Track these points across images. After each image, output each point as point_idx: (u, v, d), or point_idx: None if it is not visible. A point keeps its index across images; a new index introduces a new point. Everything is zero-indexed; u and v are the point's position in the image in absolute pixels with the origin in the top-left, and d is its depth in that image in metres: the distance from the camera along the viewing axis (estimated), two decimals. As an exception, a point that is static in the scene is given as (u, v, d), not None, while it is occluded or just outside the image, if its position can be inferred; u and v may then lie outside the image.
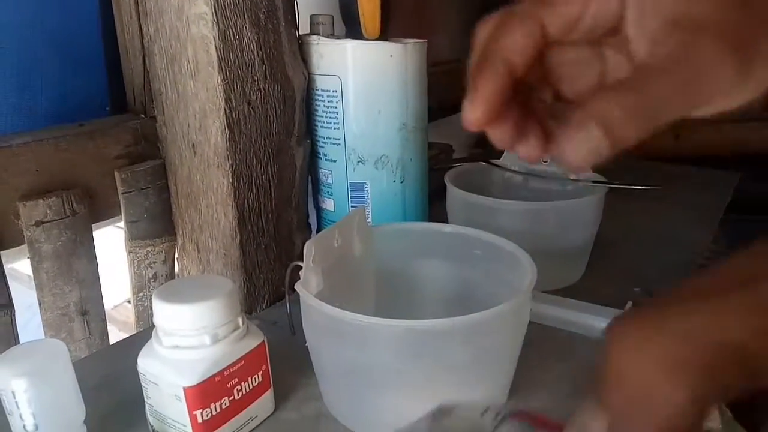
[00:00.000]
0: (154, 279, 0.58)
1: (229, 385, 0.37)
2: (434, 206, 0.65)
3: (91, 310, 0.53)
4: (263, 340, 0.39)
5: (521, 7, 0.25)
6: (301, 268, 0.39)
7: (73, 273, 0.51)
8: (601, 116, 0.21)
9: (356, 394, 0.38)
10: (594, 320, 0.50)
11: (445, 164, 0.78)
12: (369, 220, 0.57)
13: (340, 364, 0.38)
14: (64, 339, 0.52)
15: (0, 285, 0.47)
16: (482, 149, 1.06)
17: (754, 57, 0.22)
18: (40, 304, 0.50)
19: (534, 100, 0.27)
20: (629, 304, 0.50)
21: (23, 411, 0.33)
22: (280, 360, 0.45)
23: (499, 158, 0.68)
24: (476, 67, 0.25)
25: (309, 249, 0.40)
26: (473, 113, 0.24)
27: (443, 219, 0.61)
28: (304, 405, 0.42)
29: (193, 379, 0.35)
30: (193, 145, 0.52)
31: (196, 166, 0.53)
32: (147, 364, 0.36)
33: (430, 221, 0.66)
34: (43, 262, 0.49)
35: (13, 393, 0.32)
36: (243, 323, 0.38)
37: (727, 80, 0.22)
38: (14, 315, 0.48)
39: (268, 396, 0.40)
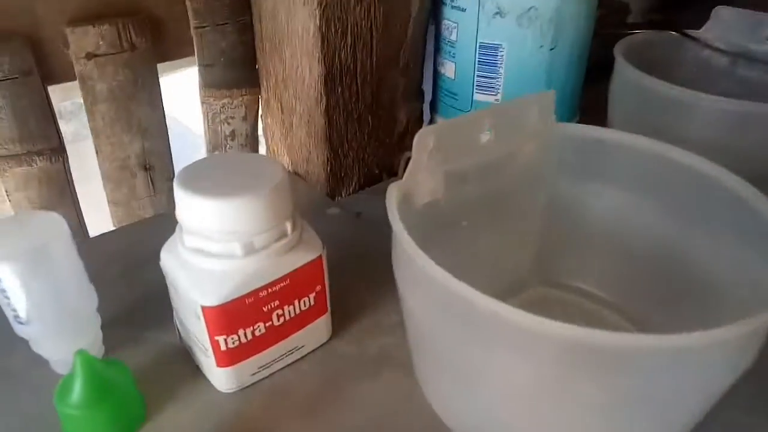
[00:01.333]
0: (232, 138, 0.49)
1: (266, 309, 0.27)
2: (588, 90, 0.48)
3: (155, 165, 0.46)
4: (320, 255, 0.28)
5: None
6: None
7: (133, 120, 0.43)
8: None
9: (470, 399, 0.26)
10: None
11: (615, 30, 0.58)
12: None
13: (450, 354, 0.24)
14: (126, 195, 0.45)
15: (49, 127, 0.40)
16: (669, 15, 0.79)
17: None
18: (97, 153, 0.43)
19: None
20: None
21: (12, 299, 0.26)
22: (356, 263, 0.35)
23: (698, 29, 0.48)
24: None
25: (424, 139, 0.27)
26: None
27: (601, 108, 0.45)
28: (369, 340, 0.32)
29: (214, 299, 0.26)
30: (277, -29, 0.40)
31: (281, 1, 0.41)
32: (167, 261, 0.27)
33: (583, 109, 0.49)
34: (98, 104, 0.41)
35: (-3, 278, 0.26)
36: (293, 230, 0.27)
37: None
38: (67, 161, 0.42)
39: (321, 323, 0.31)
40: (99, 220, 0.46)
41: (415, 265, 0.22)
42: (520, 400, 0.23)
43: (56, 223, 0.27)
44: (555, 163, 0.33)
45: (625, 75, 0.41)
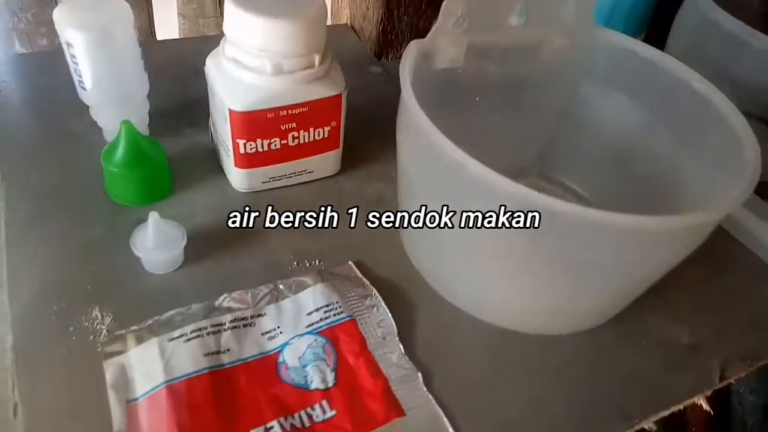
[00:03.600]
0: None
1: (283, 128, 0.31)
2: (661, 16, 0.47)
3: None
4: (341, 93, 0.32)
5: None
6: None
7: (212, -61, 0.45)
8: None
9: (434, 236, 0.29)
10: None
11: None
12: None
13: (426, 196, 0.27)
14: (194, 11, 0.49)
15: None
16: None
17: None
18: (175, -37, 0.46)
19: None
20: None
21: (80, 65, 0.31)
22: (379, 120, 0.38)
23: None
24: None
25: (453, 5, 0.29)
26: None
27: (663, 35, 0.44)
28: (370, 183, 0.36)
29: (240, 104, 0.30)
30: None
31: None
32: (210, 68, 0.31)
33: (647, 35, 0.48)
34: None
35: (68, 45, 0.30)
36: (321, 63, 0.31)
37: None
38: (147, -35, 0.45)
39: (331, 156, 0.35)
40: (168, 29, 0.50)
41: (407, 110, 0.25)
42: (472, 248, 0.27)
43: (123, 8, 0.31)
44: (584, 65, 0.34)
45: (696, 2, 0.41)
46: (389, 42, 0.47)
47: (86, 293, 0.28)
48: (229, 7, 0.28)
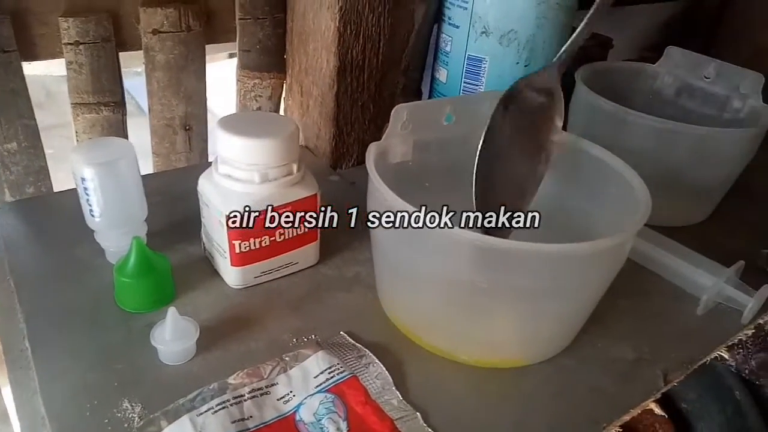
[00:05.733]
0: (258, 112, 0.59)
1: (271, 226, 0.37)
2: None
3: (194, 127, 0.56)
4: (315, 193, 0.38)
5: None
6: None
7: (181, 87, 0.53)
8: None
9: (407, 292, 0.36)
10: (697, 275, 0.42)
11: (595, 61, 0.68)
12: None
13: (394, 258, 0.35)
14: (167, 149, 0.56)
15: (116, 84, 0.50)
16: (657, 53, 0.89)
17: None
18: (149, 110, 0.54)
19: None
20: (739, 264, 0.42)
21: (91, 196, 0.36)
22: (345, 217, 0.44)
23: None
24: None
25: (399, 112, 0.37)
26: None
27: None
28: (346, 267, 0.42)
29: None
30: (310, -20, 0.50)
31: (310, 4, 0.51)
32: (203, 185, 0.37)
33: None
34: (156, 71, 0.52)
35: (82, 179, 0.35)
36: (298, 171, 0.37)
37: None
38: (125, 113, 0.52)
39: (311, 248, 0.40)
40: (142, 166, 0.56)
41: (374, 187, 0.32)
42: (442, 295, 0.33)
43: (127, 147, 0.37)
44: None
45: (580, 93, 0.51)
46: (341, 154, 0.55)
47: (114, 389, 0.31)
48: (221, 135, 0.35)
